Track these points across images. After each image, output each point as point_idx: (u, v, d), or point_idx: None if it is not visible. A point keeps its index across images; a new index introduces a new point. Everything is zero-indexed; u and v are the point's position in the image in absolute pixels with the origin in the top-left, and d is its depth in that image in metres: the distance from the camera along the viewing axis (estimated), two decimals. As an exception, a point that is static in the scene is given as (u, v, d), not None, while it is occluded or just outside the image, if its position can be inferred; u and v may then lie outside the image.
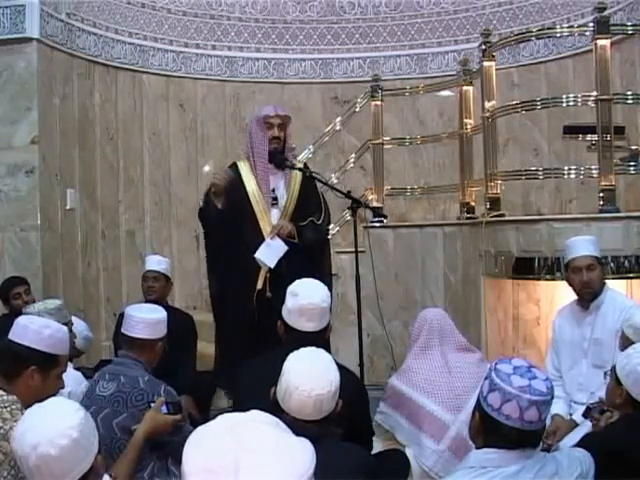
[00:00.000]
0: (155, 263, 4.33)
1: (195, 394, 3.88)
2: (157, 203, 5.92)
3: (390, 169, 5.82)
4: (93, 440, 1.69)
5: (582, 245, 3.36)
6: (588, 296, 3.32)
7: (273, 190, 3.82)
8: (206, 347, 4.82)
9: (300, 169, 3.90)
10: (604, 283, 3.37)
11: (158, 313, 2.83)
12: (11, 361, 2.24)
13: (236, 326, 3.80)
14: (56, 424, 1.63)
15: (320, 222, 3.86)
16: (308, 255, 3.77)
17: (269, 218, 3.78)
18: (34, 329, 2.27)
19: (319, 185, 4.06)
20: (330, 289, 3.80)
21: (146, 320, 2.76)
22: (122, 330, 2.80)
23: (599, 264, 3.33)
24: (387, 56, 6.33)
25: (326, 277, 3.73)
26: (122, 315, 4.17)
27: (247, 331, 3.72)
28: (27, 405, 2.17)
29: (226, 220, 3.75)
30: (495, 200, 4.43)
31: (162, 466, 2.58)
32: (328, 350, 2.98)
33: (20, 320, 2.35)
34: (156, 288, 4.20)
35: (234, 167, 3.90)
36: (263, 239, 3.71)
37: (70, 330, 3.10)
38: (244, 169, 3.85)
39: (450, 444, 2.89)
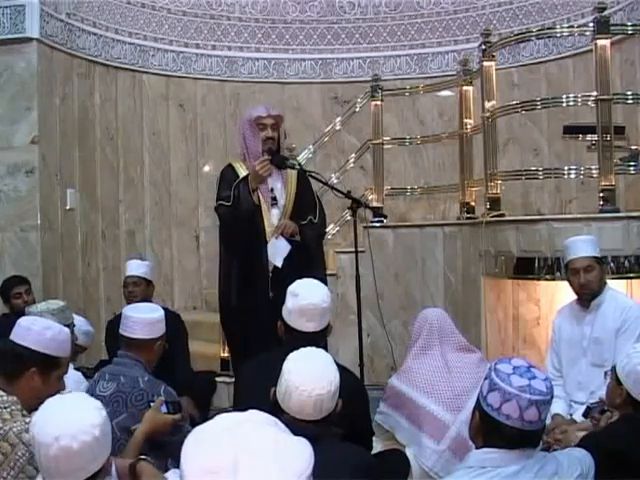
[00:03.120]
0: (134, 268, 4.29)
1: (193, 394, 3.88)
2: (157, 203, 5.93)
3: (390, 169, 5.82)
4: (109, 440, 1.74)
5: (580, 246, 3.35)
6: (587, 297, 3.32)
7: (272, 190, 3.81)
8: (206, 347, 4.84)
9: (301, 169, 3.89)
10: (605, 282, 3.36)
11: (155, 312, 2.83)
12: (12, 362, 2.24)
13: (244, 327, 3.79)
14: (80, 419, 1.66)
15: (317, 220, 3.85)
16: (307, 254, 3.77)
17: (269, 218, 3.78)
18: (36, 330, 2.26)
19: (316, 184, 4.05)
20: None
21: (144, 320, 2.75)
22: (120, 331, 2.79)
23: (598, 264, 3.31)
24: (387, 56, 6.34)
25: (323, 276, 3.73)
26: (111, 322, 4.20)
27: (254, 330, 3.72)
28: (27, 406, 2.18)
29: (254, 214, 3.73)
30: (495, 200, 4.43)
31: (162, 466, 2.58)
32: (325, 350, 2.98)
33: (22, 321, 2.34)
34: (137, 292, 4.19)
35: (230, 168, 3.88)
36: (264, 239, 3.71)
37: (72, 332, 3.09)
38: (241, 170, 3.83)
39: (450, 444, 2.89)
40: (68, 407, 1.71)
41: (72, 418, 1.66)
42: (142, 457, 2.18)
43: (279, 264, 3.65)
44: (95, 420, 1.68)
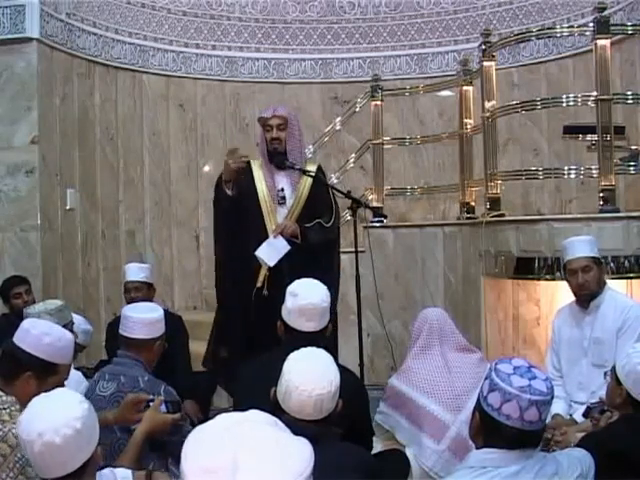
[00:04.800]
0: (134, 273, 4.18)
1: (194, 395, 3.88)
2: (157, 203, 5.93)
3: (390, 169, 5.82)
4: (94, 432, 1.77)
5: (578, 246, 3.34)
6: (585, 297, 3.31)
7: (282, 189, 3.82)
8: (205, 347, 4.82)
9: (300, 169, 3.88)
10: (604, 283, 3.36)
11: (154, 312, 2.82)
12: (9, 363, 2.23)
13: (236, 323, 3.81)
14: (62, 414, 1.69)
15: (330, 224, 3.83)
16: (311, 256, 3.76)
17: (275, 217, 3.78)
18: (34, 334, 2.25)
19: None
20: (337, 290, 3.82)
21: (143, 320, 2.75)
22: (120, 331, 2.78)
23: (596, 264, 3.30)
24: (387, 56, 6.34)
25: (334, 278, 3.75)
26: (110, 324, 4.18)
27: (245, 329, 3.73)
28: (24, 409, 2.17)
29: (235, 208, 3.75)
30: (495, 200, 4.43)
31: (162, 466, 2.58)
32: (333, 349, 2.98)
33: (25, 323, 2.33)
34: (138, 298, 4.13)
35: (247, 165, 3.90)
36: (267, 237, 3.71)
37: (71, 330, 3.08)
38: (256, 167, 3.87)
39: (450, 444, 2.89)
40: (49, 403, 1.74)
41: (53, 414, 1.69)
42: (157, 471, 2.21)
43: (271, 264, 3.64)
44: (76, 413, 1.70)
